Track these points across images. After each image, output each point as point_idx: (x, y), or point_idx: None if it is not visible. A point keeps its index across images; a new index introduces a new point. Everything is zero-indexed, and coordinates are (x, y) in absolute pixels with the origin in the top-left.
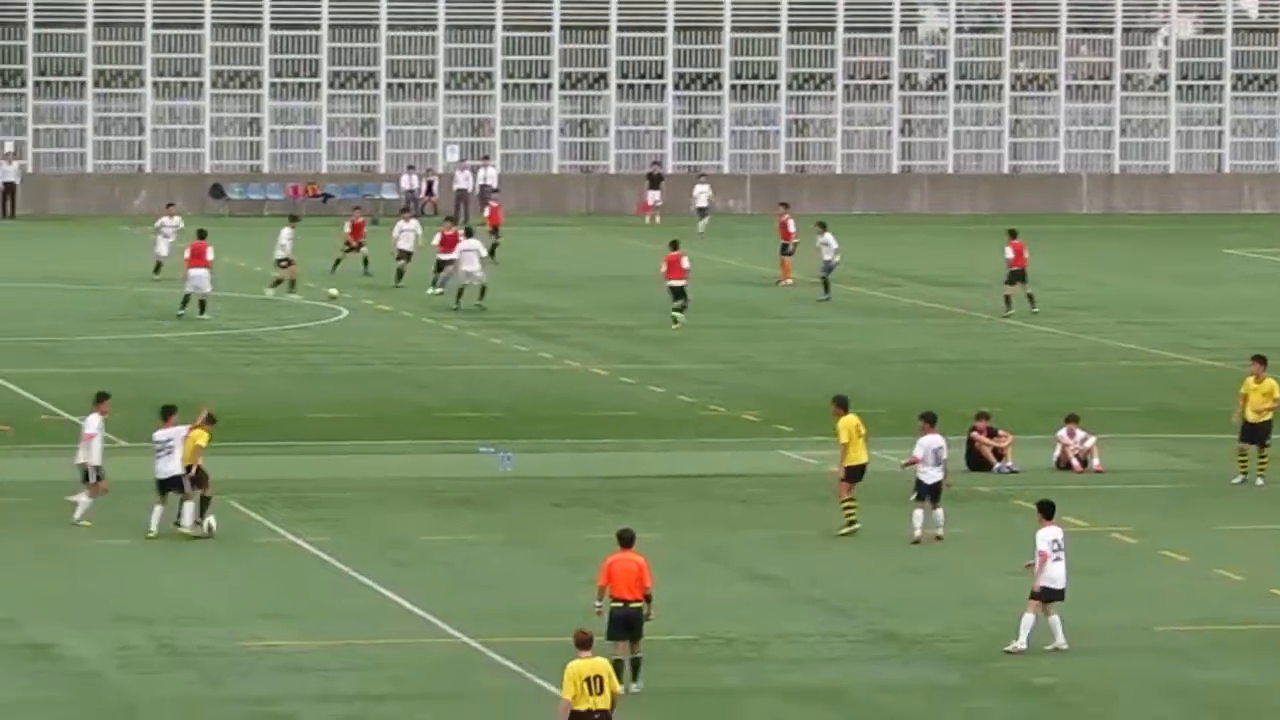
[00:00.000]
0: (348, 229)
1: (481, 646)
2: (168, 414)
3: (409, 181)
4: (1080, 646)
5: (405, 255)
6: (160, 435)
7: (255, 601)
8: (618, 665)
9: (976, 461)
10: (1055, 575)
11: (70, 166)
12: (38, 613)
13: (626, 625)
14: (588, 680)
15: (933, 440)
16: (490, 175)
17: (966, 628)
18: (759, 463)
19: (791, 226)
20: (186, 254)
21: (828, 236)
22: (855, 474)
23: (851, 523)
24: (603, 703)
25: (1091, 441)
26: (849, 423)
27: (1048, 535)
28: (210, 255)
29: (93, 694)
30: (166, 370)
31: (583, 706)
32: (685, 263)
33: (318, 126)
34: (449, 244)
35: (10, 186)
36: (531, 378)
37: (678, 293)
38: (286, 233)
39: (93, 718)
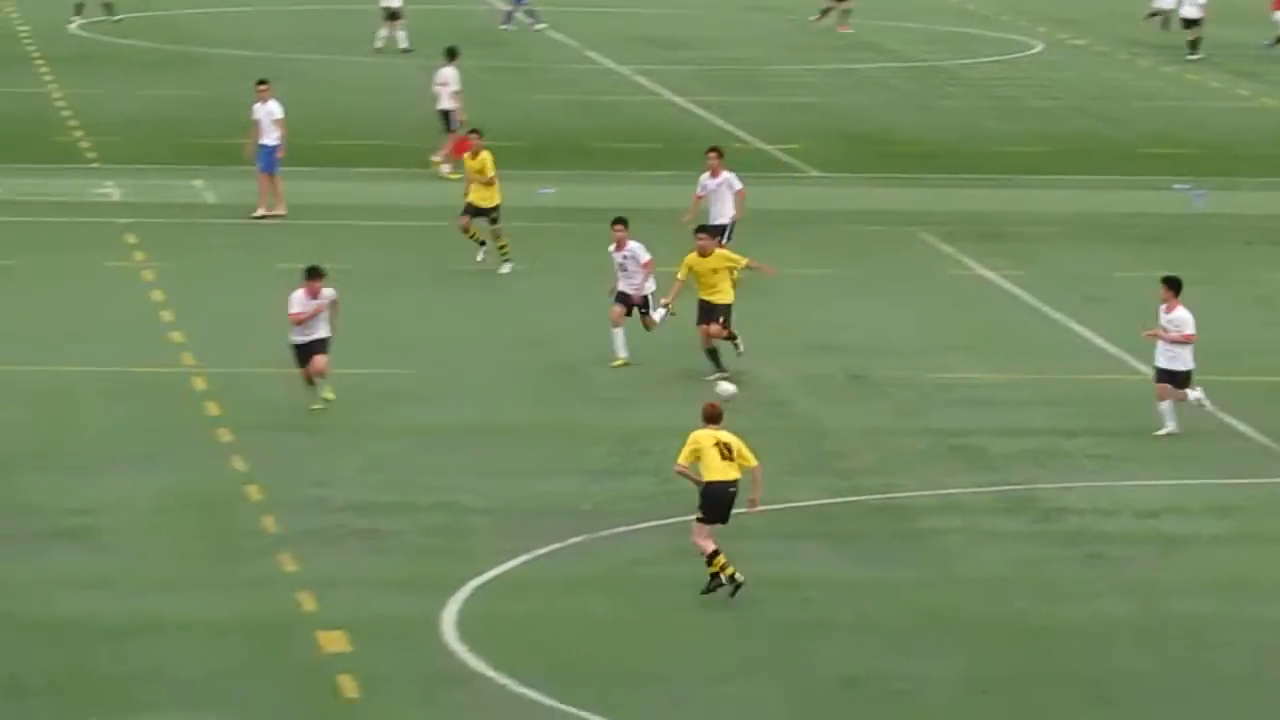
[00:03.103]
0: None
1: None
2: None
3: None
4: None
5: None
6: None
7: (946, 335)
8: None
9: None
10: None
11: None
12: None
13: None
14: (717, 445)
15: None
16: None
17: None
18: None
19: None
20: None
21: None
22: None
23: None
24: (733, 472)
25: None
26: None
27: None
28: None
29: (784, 421)
30: (858, 100)
31: (716, 476)
32: None
33: None
34: None
35: None
36: (1226, 116)
37: None
38: None
39: (782, 444)
